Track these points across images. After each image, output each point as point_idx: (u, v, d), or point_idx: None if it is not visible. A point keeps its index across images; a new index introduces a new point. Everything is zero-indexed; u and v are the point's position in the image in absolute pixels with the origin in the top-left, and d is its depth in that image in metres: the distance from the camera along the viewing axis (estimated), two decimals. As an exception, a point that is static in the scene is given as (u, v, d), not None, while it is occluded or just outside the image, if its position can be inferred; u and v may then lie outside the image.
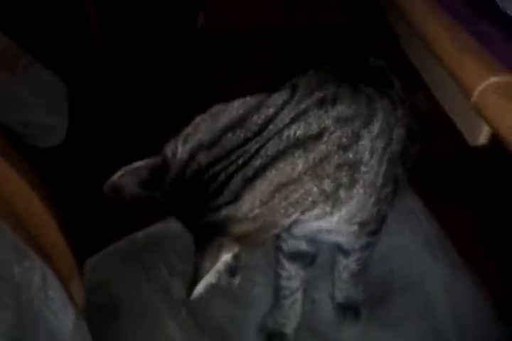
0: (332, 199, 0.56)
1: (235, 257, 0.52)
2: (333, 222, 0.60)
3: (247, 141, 0.51)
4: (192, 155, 0.51)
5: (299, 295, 0.79)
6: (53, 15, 1.61)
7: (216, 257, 0.50)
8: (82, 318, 0.71)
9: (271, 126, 0.53)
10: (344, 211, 0.59)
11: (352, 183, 0.57)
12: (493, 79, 0.54)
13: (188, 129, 0.53)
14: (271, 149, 0.51)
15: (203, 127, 0.53)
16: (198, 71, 1.83)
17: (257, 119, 0.53)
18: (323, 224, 0.60)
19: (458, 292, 0.79)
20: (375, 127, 0.58)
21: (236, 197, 0.50)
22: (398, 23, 0.84)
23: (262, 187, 0.50)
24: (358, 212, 0.61)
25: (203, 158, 0.51)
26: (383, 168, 0.61)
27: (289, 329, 0.79)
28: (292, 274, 0.77)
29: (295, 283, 0.78)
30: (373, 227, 0.68)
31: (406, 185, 0.73)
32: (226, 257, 0.50)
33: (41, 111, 1.57)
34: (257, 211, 0.51)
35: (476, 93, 0.55)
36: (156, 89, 1.74)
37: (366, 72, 0.70)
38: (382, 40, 0.85)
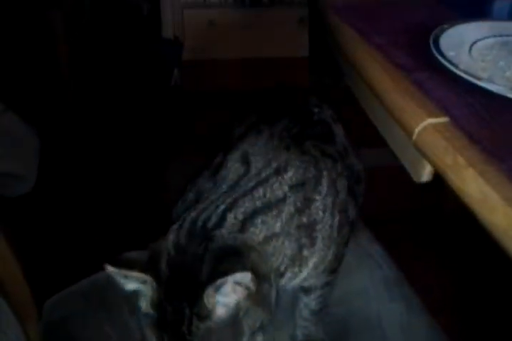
0: (298, 260, 0.62)
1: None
2: (302, 276, 0.66)
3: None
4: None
5: (259, 335, 0.79)
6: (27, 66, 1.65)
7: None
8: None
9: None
10: (311, 264, 0.64)
11: (312, 242, 0.63)
12: (430, 121, 0.60)
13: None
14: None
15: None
16: (172, 126, 1.88)
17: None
18: (297, 281, 0.66)
19: (414, 331, 0.81)
20: (324, 187, 0.65)
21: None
22: (357, 84, 0.91)
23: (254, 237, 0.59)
24: (321, 263, 0.66)
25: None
26: (336, 220, 0.66)
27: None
28: None
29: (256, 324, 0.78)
30: (333, 266, 0.71)
31: (359, 223, 0.77)
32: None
33: (10, 160, 1.58)
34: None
35: (415, 133, 0.60)
36: (132, 146, 1.77)
37: (308, 127, 0.72)
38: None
